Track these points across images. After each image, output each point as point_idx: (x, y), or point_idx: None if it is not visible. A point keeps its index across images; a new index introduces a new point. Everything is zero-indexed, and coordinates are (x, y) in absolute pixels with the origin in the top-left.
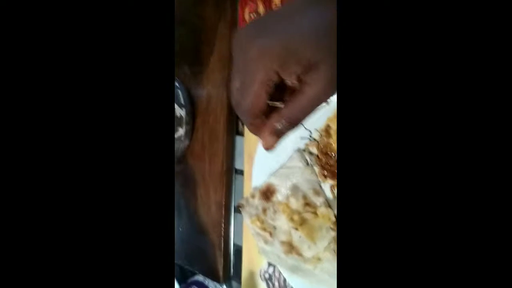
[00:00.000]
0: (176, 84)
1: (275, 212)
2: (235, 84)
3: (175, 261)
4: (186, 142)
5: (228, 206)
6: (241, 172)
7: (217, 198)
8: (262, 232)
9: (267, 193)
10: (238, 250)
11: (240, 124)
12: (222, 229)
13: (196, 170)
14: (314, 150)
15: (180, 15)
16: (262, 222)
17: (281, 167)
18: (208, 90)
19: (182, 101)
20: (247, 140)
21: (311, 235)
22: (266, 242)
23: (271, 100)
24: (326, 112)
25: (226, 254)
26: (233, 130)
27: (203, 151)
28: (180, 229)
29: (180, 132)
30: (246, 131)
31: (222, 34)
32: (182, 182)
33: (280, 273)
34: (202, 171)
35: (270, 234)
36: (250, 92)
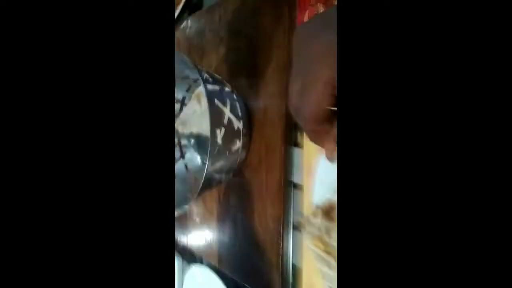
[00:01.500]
0: (234, 96)
1: None
2: (295, 86)
3: (231, 275)
4: (243, 155)
5: (286, 223)
6: (299, 187)
7: (274, 213)
8: (326, 256)
9: (331, 212)
10: (297, 272)
11: (298, 135)
12: (281, 247)
13: (253, 184)
14: None
15: (236, 26)
16: (326, 244)
17: None
18: (265, 101)
19: (240, 113)
20: (306, 152)
21: None
22: (330, 267)
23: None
24: None
25: (284, 275)
26: (291, 141)
27: (260, 164)
28: (238, 246)
29: (238, 145)
30: (305, 142)
31: (279, 43)
32: (239, 195)
33: None
34: (259, 185)
35: (335, 258)
36: (312, 93)
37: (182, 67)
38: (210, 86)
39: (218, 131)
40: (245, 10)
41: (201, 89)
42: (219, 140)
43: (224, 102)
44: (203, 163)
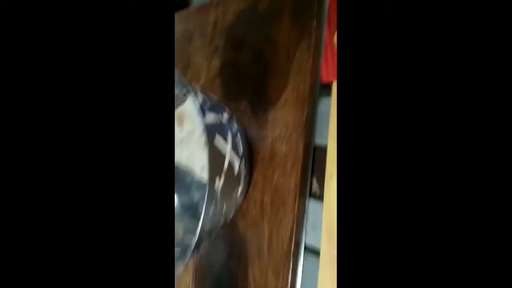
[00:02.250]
0: (234, 125)
1: None
2: None
3: None
4: (240, 200)
5: None
6: (315, 252)
7: (279, 286)
8: None
9: None
10: None
11: (316, 182)
12: None
13: (250, 242)
14: None
15: (239, 33)
16: None
17: None
18: (275, 135)
19: (241, 150)
20: (326, 206)
21: None
22: None
23: None
24: None
25: None
26: (306, 191)
27: (262, 217)
28: None
29: (238, 191)
30: (327, 194)
31: (301, 63)
32: (228, 253)
33: None
34: (259, 245)
35: None
36: None
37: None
38: (209, 117)
39: (217, 181)
40: (254, 14)
41: (184, 109)
42: (218, 195)
43: (225, 137)
44: (182, 211)
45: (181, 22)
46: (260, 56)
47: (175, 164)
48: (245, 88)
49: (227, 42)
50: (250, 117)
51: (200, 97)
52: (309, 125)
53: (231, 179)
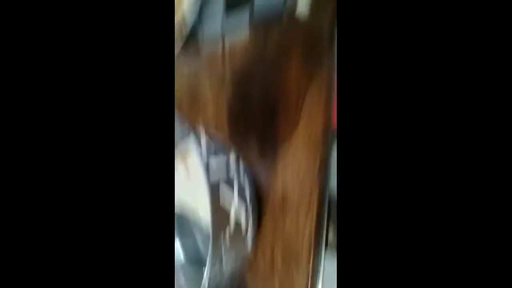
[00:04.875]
0: (240, 169)
1: None
2: None
3: None
4: (247, 251)
5: None
6: None
7: None
8: None
9: None
10: None
11: (331, 233)
12: None
13: None
14: None
15: (249, 67)
16: None
17: None
18: (286, 179)
19: (248, 196)
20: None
21: None
22: None
23: None
24: None
25: None
26: (321, 241)
27: (272, 271)
28: None
29: (245, 242)
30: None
31: (312, 105)
32: None
33: None
34: None
35: None
36: None
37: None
38: (213, 162)
39: (221, 235)
40: (264, 50)
41: (188, 147)
42: (222, 250)
43: (231, 183)
44: (186, 261)
45: (189, 55)
46: (270, 93)
47: (179, 209)
48: (253, 126)
49: (235, 74)
50: (258, 156)
51: (204, 139)
52: (323, 171)
53: (237, 231)
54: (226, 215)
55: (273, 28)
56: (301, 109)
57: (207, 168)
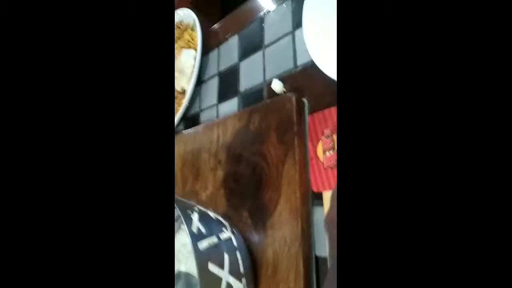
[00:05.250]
0: (233, 243)
1: None
2: None
3: None
4: None
5: None
6: None
7: None
8: None
9: None
10: None
11: None
12: None
13: None
14: None
15: (237, 150)
16: None
17: None
18: (275, 248)
19: (242, 268)
20: None
21: None
22: None
23: None
24: None
25: None
26: None
27: None
28: None
29: None
30: None
31: (290, 177)
32: None
33: None
34: None
35: None
36: None
37: None
38: (203, 244)
39: None
40: (247, 133)
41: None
42: None
43: (222, 263)
44: None
45: (191, 137)
46: (255, 170)
47: (189, 273)
48: (245, 199)
49: (228, 156)
50: (251, 228)
51: (196, 222)
52: (306, 236)
53: None
54: (218, 281)
55: (255, 111)
56: (281, 182)
57: (195, 249)
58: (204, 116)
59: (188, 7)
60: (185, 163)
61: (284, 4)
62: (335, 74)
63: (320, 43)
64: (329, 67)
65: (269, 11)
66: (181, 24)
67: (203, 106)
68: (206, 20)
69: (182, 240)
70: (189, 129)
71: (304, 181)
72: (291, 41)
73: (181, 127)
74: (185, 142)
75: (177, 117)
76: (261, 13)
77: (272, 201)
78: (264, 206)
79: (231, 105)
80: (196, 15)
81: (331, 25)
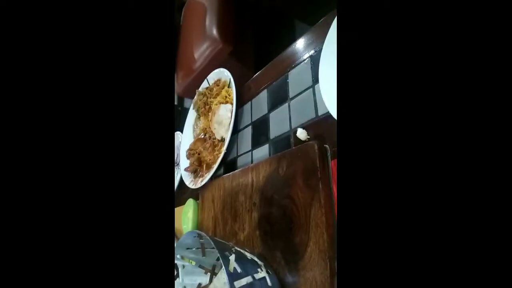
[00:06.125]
0: (268, 281)
1: None
2: None
3: None
4: None
5: None
6: None
7: None
8: None
9: None
10: None
11: None
12: None
13: None
14: None
15: (269, 193)
16: None
17: None
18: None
19: None
20: None
21: None
22: None
23: None
24: None
25: None
26: None
27: None
28: None
29: None
30: None
31: (317, 220)
32: None
33: None
34: None
35: None
36: None
37: (210, 242)
38: (239, 283)
39: None
40: (277, 177)
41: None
42: None
43: None
44: None
45: (229, 181)
46: (285, 213)
47: None
48: (278, 241)
49: (261, 199)
50: (285, 269)
51: (233, 258)
52: (335, 278)
53: None
54: None
55: (282, 158)
56: (310, 225)
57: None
58: (240, 161)
59: (226, 60)
60: (225, 205)
61: (304, 62)
62: None
63: (333, 95)
64: None
65: (293, 68)
66: (219, 82)
67: (240, 152)
68: (240, 76)
69: (222, 280)
70: (228, 173)
71: (331, 224)
72: (311, 93)
73: (221, 171)
74: (224, 185)
75: (217, 162)
76: (287, 70)
77: (303, 243)
78: (296, 247)
79: (263, 151)
80: (233, 68)
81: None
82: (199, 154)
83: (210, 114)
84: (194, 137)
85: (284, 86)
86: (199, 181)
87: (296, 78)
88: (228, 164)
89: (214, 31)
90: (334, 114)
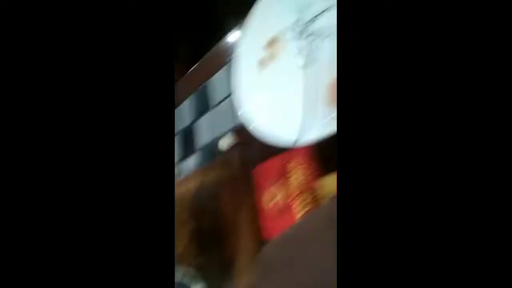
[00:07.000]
0: None
1: None
2: None
3: None
4: None
5: None
6: None
7: None
8: None
9: None
10: None
11: None
12: None
13: None
14: None
15: (199, 204)
16: None
17: None
18: None
19: None
20: None
21: None
22: None
23: None
24: None
25: None
26: None
27: None
28: None
29: None
30: None
31: (245, 227)
32: None
33: None
34: None
35: None
36: None
37: None
38: None
39: None
40: (204, 188)
41: None
42: None
43: None
44: None
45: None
46: (215, 223)
47: None
48: (212, 254)
49: (193, 210)
50: (220, 277)
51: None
52: None
53: None
54: None
55: (208, 168)
56: (237, 234)
57: None
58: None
59: None
60: None
61: (223, 71)
62: (263, 132)
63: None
64: (258, 127)
65: (213, 78)
66: None
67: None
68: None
69: None
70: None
71: (257, 230)
72: (230, 103)
73: None
74: None
75: None
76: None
77: (234, 251)
78: (228, 256)
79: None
80: None
81: (251, 92)
82: None
83: None
84: None
85: (206, 94)
86: None
87: (216, 87)
88: None
89: None
90: (247, 125)
